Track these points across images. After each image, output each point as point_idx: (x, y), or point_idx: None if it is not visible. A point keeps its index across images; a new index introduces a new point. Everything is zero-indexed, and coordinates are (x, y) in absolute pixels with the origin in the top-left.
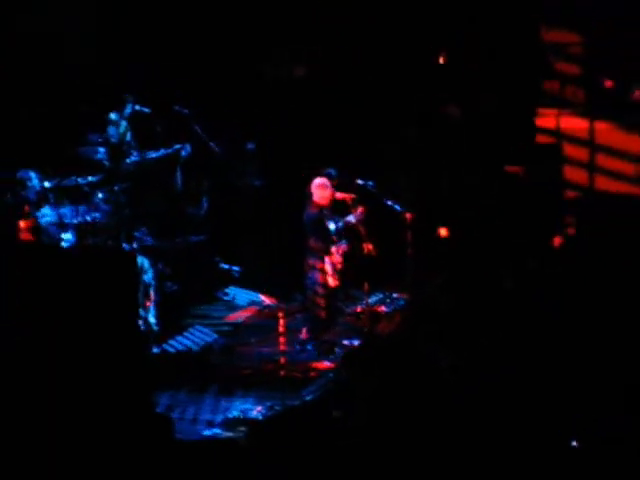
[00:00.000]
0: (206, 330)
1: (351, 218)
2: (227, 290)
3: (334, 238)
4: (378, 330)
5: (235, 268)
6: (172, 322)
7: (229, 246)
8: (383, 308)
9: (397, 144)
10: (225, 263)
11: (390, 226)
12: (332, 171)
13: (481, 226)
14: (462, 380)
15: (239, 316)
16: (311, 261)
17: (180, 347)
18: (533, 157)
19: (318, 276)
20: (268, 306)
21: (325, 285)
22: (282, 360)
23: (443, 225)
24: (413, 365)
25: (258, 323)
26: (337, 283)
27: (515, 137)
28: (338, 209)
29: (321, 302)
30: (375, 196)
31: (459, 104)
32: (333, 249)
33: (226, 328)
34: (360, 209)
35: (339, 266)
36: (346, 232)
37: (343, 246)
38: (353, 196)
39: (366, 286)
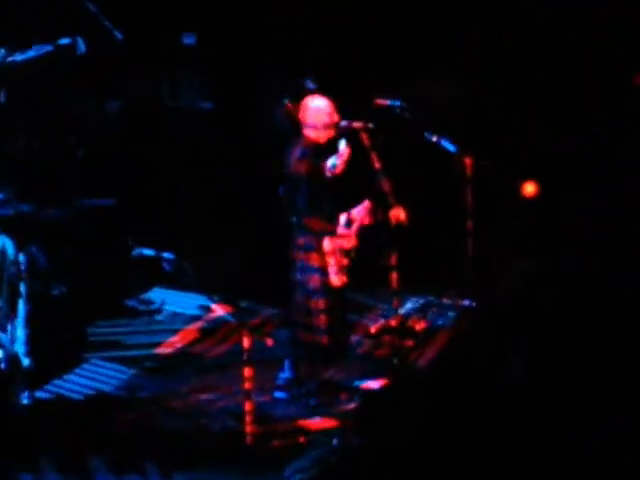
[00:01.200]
0: (115, 365)
1: (334, 161)
2: (151, 294)
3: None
4: (414, 360)
5: (165, 255)
6: (56, 353)
7: (154, 217)
8: (423, 323)
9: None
10: (147, 247)
11: (437, 178)
12: (311, 83)
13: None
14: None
15: (173, 341)
16: (301, 252)
17: (69, 395)
18: None
19: (314, 277)
20: (222, 320)
21: (327, 290)
22: (248, 416)
23: (530, 178)
24: (473, 418)
25: (206, 352)
26: (345, 280)
27: None
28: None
29: (322, 320)
30: (411, 126)
31: None
32: (341, 228)
33: (150, 362)
34: (342, 143)
35: (346, 259)
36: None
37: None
38: (367, 125)
39: (394, 284)
